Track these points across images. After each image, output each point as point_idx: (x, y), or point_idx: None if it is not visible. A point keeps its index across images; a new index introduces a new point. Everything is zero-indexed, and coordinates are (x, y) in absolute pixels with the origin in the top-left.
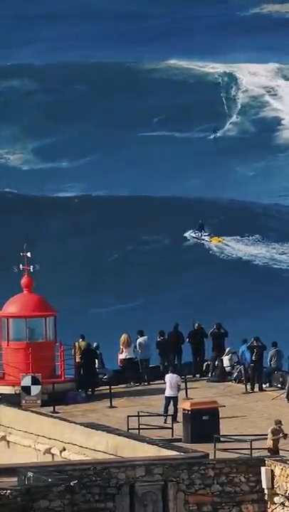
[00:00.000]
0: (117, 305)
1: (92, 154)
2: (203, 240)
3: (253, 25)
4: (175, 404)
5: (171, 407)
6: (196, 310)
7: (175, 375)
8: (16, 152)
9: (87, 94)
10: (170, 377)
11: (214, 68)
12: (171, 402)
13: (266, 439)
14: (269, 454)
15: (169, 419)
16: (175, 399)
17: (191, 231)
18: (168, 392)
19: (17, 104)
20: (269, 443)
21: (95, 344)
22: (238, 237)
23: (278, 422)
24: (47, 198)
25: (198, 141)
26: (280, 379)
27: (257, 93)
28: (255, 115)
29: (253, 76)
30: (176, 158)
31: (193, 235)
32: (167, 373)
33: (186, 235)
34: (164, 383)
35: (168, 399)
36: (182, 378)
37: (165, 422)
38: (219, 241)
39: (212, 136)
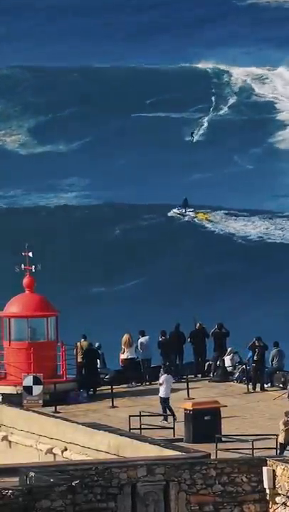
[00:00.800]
0: (117, 285)
1: (87, 136)
2: (188, 215)
3: (250, 15)
4: (169, 405)
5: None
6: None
7: (170, 375)
8: (13, 133)
9: (79, 80)
10: (166, 378)
11: (205, 64)
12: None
13: (268, 439)
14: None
15: (168, 419)
16: (168, 400)
17: (175, 209)
18: (164, 393)
19: (9, 89)
20: (281, 437)
21: (97, 344)
22: (230, 215)
23: (288, 413)
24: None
25: (194, 122)
26: (282, 379)
27: (248, 78)
28: (247, 98)
29: (245, 69)
30: (172, 144)
31: (177, 211)
32: (161, 373)
33: (170, 213)
34: (159, 383)
35: (164, 399)
36: (184, 378)
37: (166, 421)
38: (206, 218)
39: (189, 139)
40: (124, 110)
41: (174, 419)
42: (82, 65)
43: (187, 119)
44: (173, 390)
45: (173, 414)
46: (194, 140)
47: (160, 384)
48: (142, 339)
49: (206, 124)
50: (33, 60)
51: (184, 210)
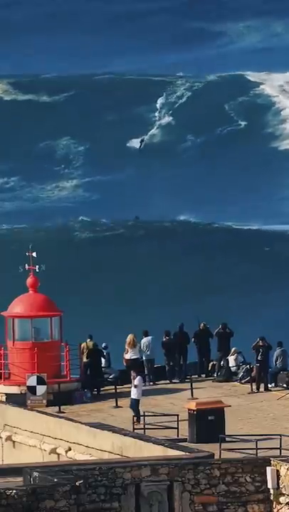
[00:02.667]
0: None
1: (69, 89)
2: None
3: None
4: (138, 407)
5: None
6: None
7: (141, 377)
8: None
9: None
10: (140, 380)
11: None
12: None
13: (272, 439)
14: None
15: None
16: (139, 402)
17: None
18: (136, 395)
19: None
20: None
21: (104, 344)
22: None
23: None
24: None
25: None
26: (286, 379)
27: None
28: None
29: None
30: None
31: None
32: (134, 376)
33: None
34: (134, 385)
35: (138, 401)
36: (188, 378)
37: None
38: None
39: (139, 146)
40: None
41: (138, 420)
42: None
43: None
44: (177, 390)
45: (138, 418)
46: (142, 147)
47: (135, 386)
48: (144, 339)
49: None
50: None
51: None
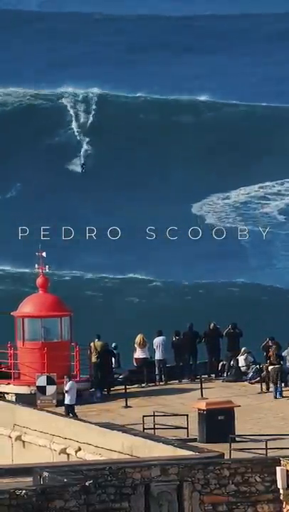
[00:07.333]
0: None
1: None
2: None
3: None
4: (74, 412)
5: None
6: None
7: (74, 382)
8: None
9: None
10: (72, 385)
11: None
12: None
13: (282, 438)
14: None
15: None
16: (74, 407)
17: None
18: (69, 400)
19: None
20: None
21: (113, 344)
22: None
23: None
24: None
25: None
26: None
27: None
28: None
29: None
30: None
31: None
32: (66, 380)
33: None
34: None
35: (71, 406)
36: (198, 378)
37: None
38: None
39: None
40: None
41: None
42: None
43: None
44: (187, 390)
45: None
46: (84, 170)
47: (66, 391)
48: (156, 339)
49: None
50: None
51: None
